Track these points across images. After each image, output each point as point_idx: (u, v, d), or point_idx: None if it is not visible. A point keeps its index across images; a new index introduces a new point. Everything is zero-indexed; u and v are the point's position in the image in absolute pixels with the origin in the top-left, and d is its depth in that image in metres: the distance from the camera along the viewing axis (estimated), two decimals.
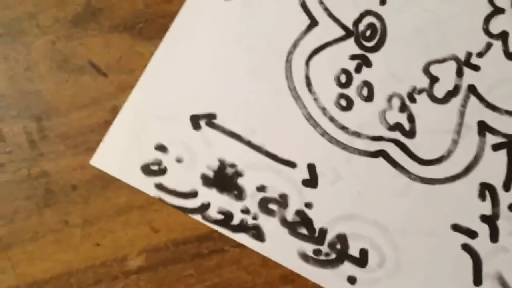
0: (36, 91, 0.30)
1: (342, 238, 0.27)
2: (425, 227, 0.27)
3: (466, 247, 0.26)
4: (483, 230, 0.26)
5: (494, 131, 0.27)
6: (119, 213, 0.29)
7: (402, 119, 0.28)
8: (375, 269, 0.27)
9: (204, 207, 0.28)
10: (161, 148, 0.29)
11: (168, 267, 0.29)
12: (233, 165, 0.28)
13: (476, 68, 0.27)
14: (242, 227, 0.28)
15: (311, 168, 0.28)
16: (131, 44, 0.30)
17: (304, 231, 0.28)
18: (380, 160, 0.28)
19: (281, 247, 0.27)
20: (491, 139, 0.27)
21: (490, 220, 0.26)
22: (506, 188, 0.27)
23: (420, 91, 0.27)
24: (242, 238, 0.28)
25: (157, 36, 0.30)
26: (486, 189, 0.26)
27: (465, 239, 0.26)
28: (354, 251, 0.27)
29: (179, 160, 0.28)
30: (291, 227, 0.28)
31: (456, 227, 0.27)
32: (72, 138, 0.30)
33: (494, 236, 0.26)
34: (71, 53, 0.30)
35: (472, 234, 0.26)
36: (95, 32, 0.30)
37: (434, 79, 0.27)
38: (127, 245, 0.29)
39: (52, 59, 0.30)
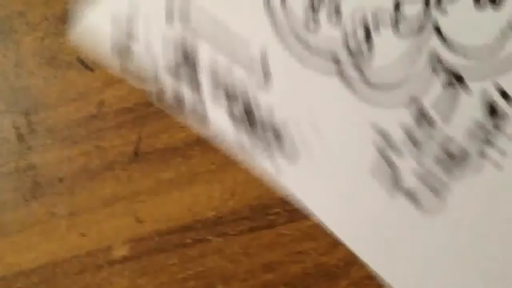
0: (24, 86, 0.31)
1: (278, 129, 0.27)
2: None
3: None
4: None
5: (446, 70, 0.27)
6: (104, 204, 0.30)
7: (363, 46, 0.28)
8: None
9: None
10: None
11: (152, 256, 0.29)
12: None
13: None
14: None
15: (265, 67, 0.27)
16: None
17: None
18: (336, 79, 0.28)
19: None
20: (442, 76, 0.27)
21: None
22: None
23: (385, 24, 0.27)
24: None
25: None
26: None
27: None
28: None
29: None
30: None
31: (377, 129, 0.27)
32: (59, 131, 0.30)
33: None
34: (59, 49, 0.31)
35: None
36: None
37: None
38: (112, 236, 0.29)
39: (41, 55, 0.31)
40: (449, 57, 0.27)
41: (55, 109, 0.31)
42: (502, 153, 0.27)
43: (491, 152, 0.27)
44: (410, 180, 0.27)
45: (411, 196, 0.27)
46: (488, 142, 0.27)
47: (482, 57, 0.27)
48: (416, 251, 0.27)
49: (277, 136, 0.28)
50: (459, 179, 0.27)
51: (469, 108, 0.27)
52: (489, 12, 0.27)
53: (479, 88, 0.27)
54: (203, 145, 0.29)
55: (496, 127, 0.27)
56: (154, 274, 0.29)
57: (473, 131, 0.27)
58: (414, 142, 0.27)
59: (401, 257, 0.27)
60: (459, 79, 0.27)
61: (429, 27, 0.28)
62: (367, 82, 0.28)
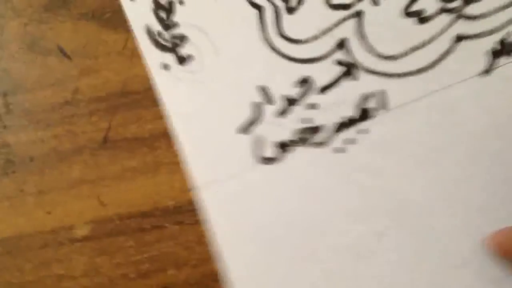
0: (5, 69, 0.33)
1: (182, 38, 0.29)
2: None
3: None
4: None
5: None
6: (71, 185, 0.31)
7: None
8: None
9: None
10: None
11: (111, 238, 0.31)
12: None
13: None
14: None
15: None
16: (97, 32, 0.33)
17: None
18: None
19: None
20: None
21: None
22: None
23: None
24: None
25: (122, 26, 0.33)
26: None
27: None
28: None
29: None
30: None
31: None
32: (34, 114, 0.32)
33: None
34: (41, 36, 0.33)
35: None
36: (65, 18, 0.33)
37: None
38: (76, 216, 0.31)
39: (23, 40, 0.33)
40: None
41: (33, 92, 0.32)
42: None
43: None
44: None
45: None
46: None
47: None
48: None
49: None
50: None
51: None
52: None
53: None
54: (168, 138, 0.31)
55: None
56: (112, 254, 0.31)
57: None
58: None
59: None
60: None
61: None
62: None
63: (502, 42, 0.30)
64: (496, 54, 0.30)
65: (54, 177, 0.31)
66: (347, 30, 0.30)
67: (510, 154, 0.29)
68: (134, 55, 0.32)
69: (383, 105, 0.30)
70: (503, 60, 0.30)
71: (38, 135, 0.32)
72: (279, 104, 0.30)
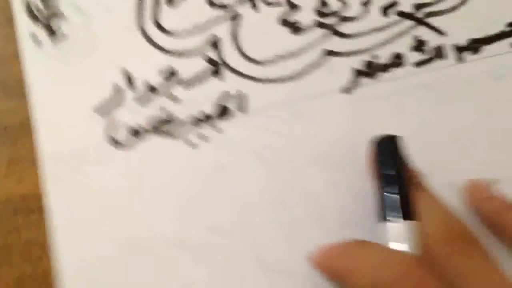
0: None
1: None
2: None
3: None
4: None
5: None
6: None
7: None
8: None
9: None
10: None
11: None
12: None
13: None
14: None
15: None
16: None
17: None
18: None
19: None
20: None
21: None
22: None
23: None
24: None
25: None
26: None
27: None
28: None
29: None
30: None
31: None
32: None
33: None
34: None
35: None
36: None
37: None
38: None
39: None
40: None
41: None
42: None
43: None
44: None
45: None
46: None
47: None
48: None
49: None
50: None
51: None
52: None
53: None
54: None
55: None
56: None
57: None
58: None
59: None
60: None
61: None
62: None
63: (369, 63, 0.31)
64: (361, 74, 0.30)
65: (27, 148, 0.30)
66: (223, 30, 0.31)
67: (343, 168, 0.29)
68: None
69: (243, 107, 0.30)
70: (365, 81, 0.30)
71: (13, 105, 0.31)
72: (140, 91, 0.30)
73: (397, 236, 0.23)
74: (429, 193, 0.25)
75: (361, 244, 0.24)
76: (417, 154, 0.27)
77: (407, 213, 0.24)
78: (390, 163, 0.26)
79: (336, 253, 0.24)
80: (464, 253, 0.23)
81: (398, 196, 0.25)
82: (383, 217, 0.24)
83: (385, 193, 0.25)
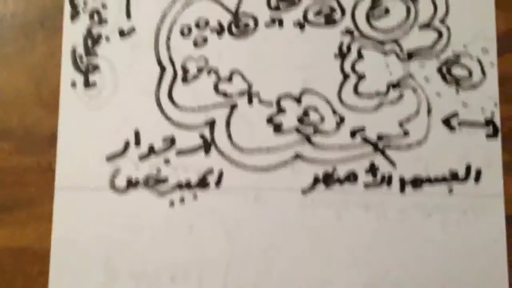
0: None
1: (95, 67, 0.37)
2: None
3: None
4: None
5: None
6: None
7: None
8: None
9: None
10: None
11: None
12: None
13: None
14: None
15: None
16: None
17: None
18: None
19: None
20: None
21: None
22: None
23: None
24: None
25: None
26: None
27: None
28: (93, 77, 0.37)
29: None
30: None
31: None
32: None
33: None
34: None
35: None
36: None
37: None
38: None
39: None
40: None
41: None
42: None
43: None
44: None
45: None
46: None
47: None
48: None
49: None
50: None
51: None
52: None
53: None
54: None
55: None
56: None
57: None
58: None
59: None
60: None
61: None
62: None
63: (328, 174, 0.38)
64: (318, 181, 0.38)
65: None
66: (220, 114, 0.38)
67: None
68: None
69: (219, 182, 0.37)
70: (321, 187, 0.38)
71: None
72: (144, 150, 0.37)
73: None
74: None
75: None
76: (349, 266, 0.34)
77: None
78: None
79: None
80: None
81: None
82: None
83: None
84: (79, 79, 0.38)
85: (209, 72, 0.38)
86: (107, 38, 0.38)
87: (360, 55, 0.38)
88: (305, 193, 0.37)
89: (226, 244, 0.37)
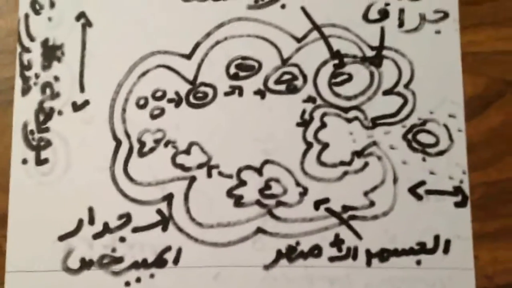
0: None
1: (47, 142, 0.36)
2: None
3: None
4: None
5: None
6: None
7: None
8: None
9: None
10: None
11: None
12: None
13: None
14: None
15: None
16: None
17: None
18: None
19: None
20: None
21: None
22: None
23: None
24: None
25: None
26: None
27: None
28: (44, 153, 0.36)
29: None
30: None
31: None
32: None
33: None
34: None
35: None
36: None
37: None
38: None
39: None
40: None
41: None
42: None
43: None
44: None
45: None
46: None
47: None
48: None
49: None
50: None
51: None
52: None
53: None
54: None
55: None
56: None
57: None
58: None
59: None
60: None
61: None
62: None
63: (291, 248, 0.36)
64: (281, 256, 0.36)
65: None
66: (178, 188, 0.37)
67: None
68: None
69: (176, 260, 0.36)
70: (283, 262, 0.36)
71: None
72: (98, 229, 0.36)
73: None
74: None
75: None
76: None
77: None
78: None
79: None
80: None
81: None
82: None
83: None
84: (31, 156, 0.36)
85: (166, 145, 0.37)
86: (60, 112, 0.37)
87: (323, 123, 0.37)
88: (267, 269, 0.36)
89: None
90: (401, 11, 0.38)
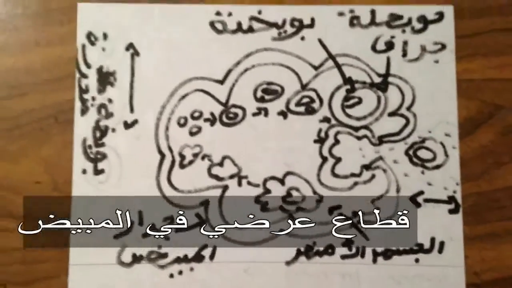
0: None
1: (103, 155, 0.43)
2: None
3: None
4: None
5: None
6: None
7: None
8: None
9: None
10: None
11: None
12: None
13: None
14: None
15: None
16: None
17: None
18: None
19: None
20: None
21: None
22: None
23: None
24: None
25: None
26: None
27: None
28: (101, 165, 0.43)
29: None
30: None
31: None
32: None
33: None
34: None
35: None
36: None
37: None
38: None
39: None
40: None
41: None
42: None
43: None
44: None
45: None
46: None
47: None
48: None
49: None
50: None
51: None
52: None
53: None
54: None
55: None
56: None
57: None
58: None
59: None
60: None
61: None
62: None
63: (308, 247, 0.43)
64: (300, 254, 0.43)
65: None
66: (213, 195, 0.43)
67: None
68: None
69: (212, 256, 0.43)
70: (302, 259, 0.43)
71: None
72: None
73: None
74: None
75: None
76: None
77: None
78: None
79: None
80: None
81: None
82: None
83: None
84: (89, 166, 0.43)
85: (203, 158, 0.43)
86: (113, 130, 0.43)
87: (336, 140, 0.43)
88: (288, 264, 0.42)
89: None
90: (405, 43, 0.44)
